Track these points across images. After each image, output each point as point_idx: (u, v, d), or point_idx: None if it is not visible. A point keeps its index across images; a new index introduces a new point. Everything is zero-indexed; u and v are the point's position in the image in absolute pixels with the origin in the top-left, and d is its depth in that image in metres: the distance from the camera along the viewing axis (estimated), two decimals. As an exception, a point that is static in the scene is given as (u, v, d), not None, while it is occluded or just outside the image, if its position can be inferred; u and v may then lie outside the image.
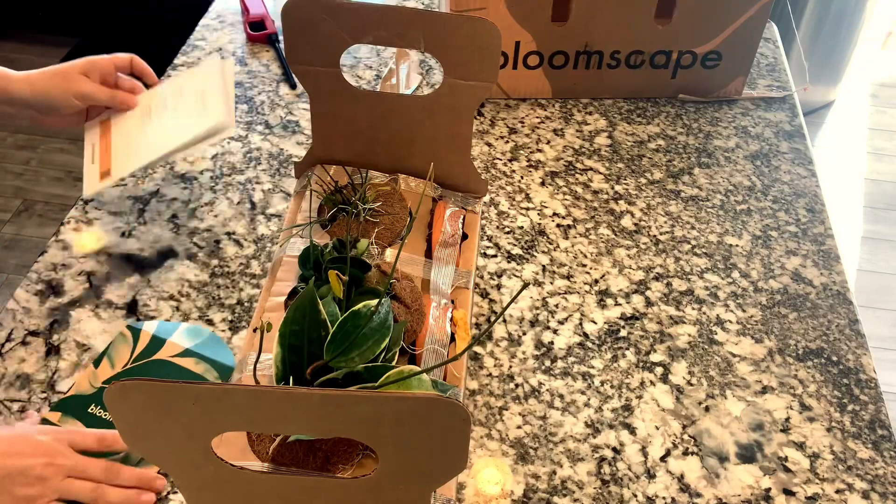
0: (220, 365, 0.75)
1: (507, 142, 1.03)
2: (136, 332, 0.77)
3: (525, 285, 0.57)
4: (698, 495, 0.69)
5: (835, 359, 0.80)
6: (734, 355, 0.80)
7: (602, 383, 0.77)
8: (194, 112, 0.87)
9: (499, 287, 0.85)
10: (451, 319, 0.68)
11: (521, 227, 0.91)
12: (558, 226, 0.92)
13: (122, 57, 0.89)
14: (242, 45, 1.17)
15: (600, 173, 0.99)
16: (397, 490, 0.49)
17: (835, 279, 0.88)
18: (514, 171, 0.98)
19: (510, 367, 0.78)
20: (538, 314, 0.82)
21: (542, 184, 0.97)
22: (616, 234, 0.91)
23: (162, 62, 1.11)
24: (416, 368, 0.55)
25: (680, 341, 0.81)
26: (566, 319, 0.82)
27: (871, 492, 0.70)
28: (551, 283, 0.85)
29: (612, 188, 0.97)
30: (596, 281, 0.86)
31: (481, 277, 0.86)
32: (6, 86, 0.83)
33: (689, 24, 1.03)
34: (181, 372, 0.73)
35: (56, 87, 0.84)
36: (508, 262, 0.87)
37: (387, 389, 0.54)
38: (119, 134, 0.88)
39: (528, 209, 0.94)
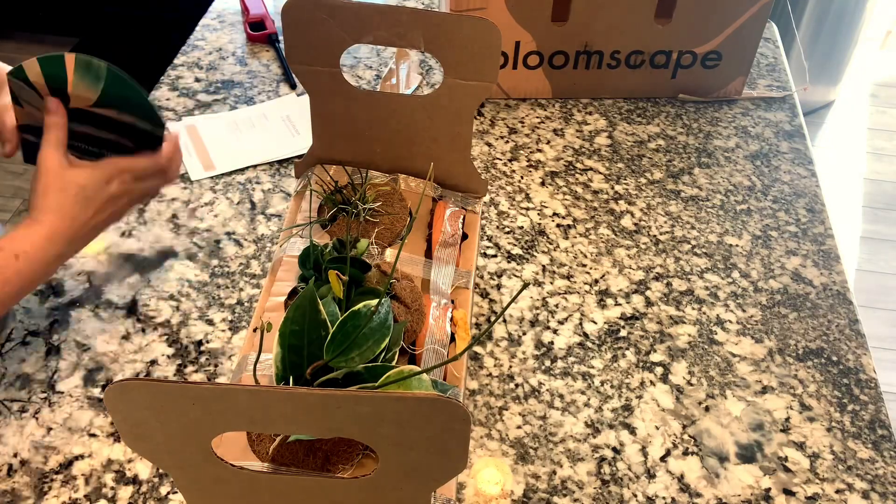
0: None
1: (507, 142, 1.03)
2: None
3: (525, 285, 0.57)
4: (698, 495, 0.69)
5: (835, 359, 0.80)
6: (734, 355, 0.80)
7: (602, 383, 0.77)
8: (287, 134, 1.02)
9: (499, 287, 0.85)
10: (451, 319, 0.68)
11: (521, 227, 0.91)
12: (558, 226, 0.92)
13: None
14: (242, 45, 1.17)
15: (600, 173, 0.99)
16: (397, 490, 0.49)
17: (835, 279, 0.88)
18: (514, 171, 0.98)
19: (510, 367, 0.78)
20: (538, 314, 0.82)
21: (542, 184, 0.97)
22: (616, 234, 0.91)
23: (162, 62, 1.11)
24: (416, 368, 0.55)
25: (680, 341, 0.81)
26: (566, 319, 0.82)
27: (871, 492, 0.70)
28: (551, 283, 0.85)
29: (612, 188, 0.97)
30: (596, 281, 0.86)
31: (481, 277, 0.86)
32: None
33: (689, 24, 1.03)
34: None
35: None
36: (508, 262, 0.87)
37: (387, 389, 0.54)
38: (210, 139, 1.01)
39: (528, 209, 0.94)
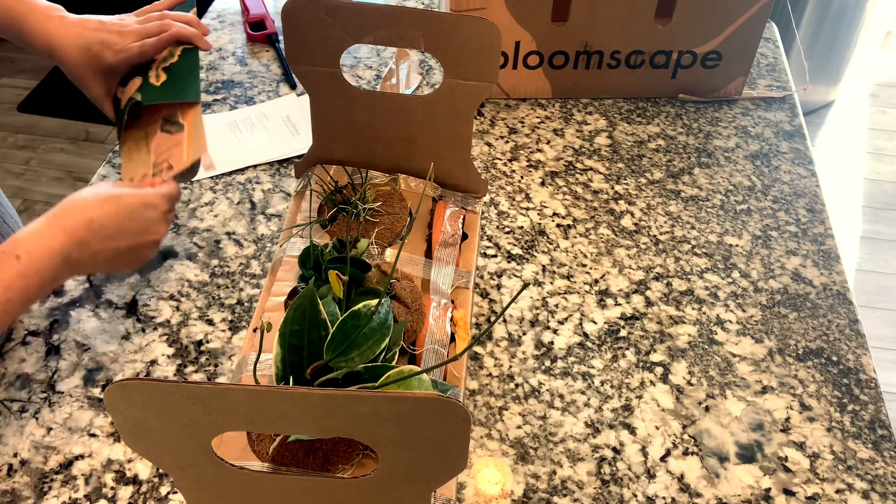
0: None
1: (507, 142, 1.03)
2: None
3: (525, 285, 0.57)
4: (698, 495, 0.69)
5: (835, 359, 0.80)
6: (734, 355, 0.80)
7: (602, 383, 0.77)
8: (287, 134, 1.02)
9: (499, 287, 0.85)
10: (451, 319, 0.68)
11: (521, 227, 0.91)
12: (558, 226, 0.92)
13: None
14: (242, 45, 1.17)
15: (600, 173, 0.99)
16: (397, 490, 0.49)
17: (835, 279, 0.88)
18: (514, 171, 0.98)
19: (510, 367, 0.78)
20: (538, 314, 0.82)
21: (542, 184, 0.97)
22: (616, 234, 0.91)
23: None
24: (416, 368, 0.55)
25: (680, 341, 0.81)
26: (566, 319, 0.82)
27: (871, 492, 0.70)
28: (551, 283, 0.85)
29: (612, 188, 0.97)
30: (596, 281, 0.86)
31: (481, 277, 0.86)
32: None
33: (689, 24, 1.03)
34: None
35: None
36: (508, 262, 0.87)
37: (387, 389, 0.54)
38: (210, 139, 1.00)
39: (528, 209, 0.94)
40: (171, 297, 0.82)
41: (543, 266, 0.87)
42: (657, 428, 0.74)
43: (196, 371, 0.76)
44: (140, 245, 0.70)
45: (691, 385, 0.77)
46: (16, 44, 0.80)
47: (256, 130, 1.02)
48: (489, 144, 1.02)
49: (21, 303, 0.63)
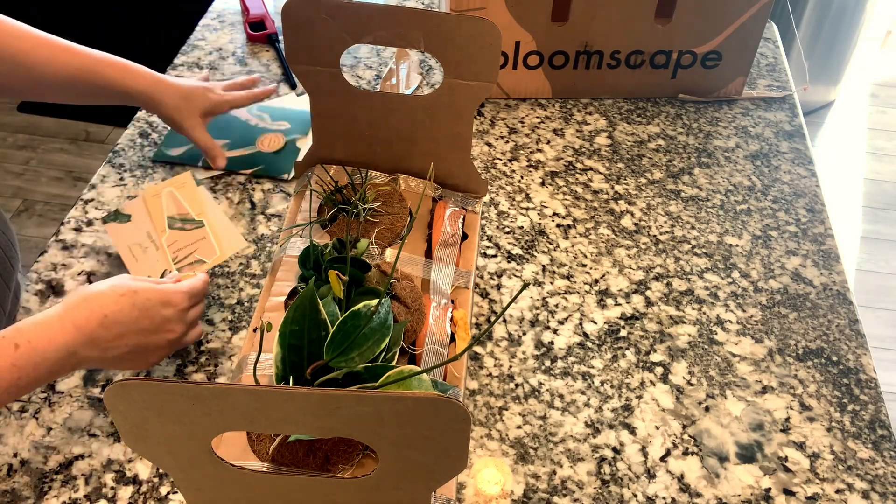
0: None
1: (507, 142, 1.03)
2: None
3: (525, 285, 0.57)
4: (698, 495, 0.69)
5: (835, 359, 0.80)
6: (734, 355, 0.80)
7: (602, 383, 0.77)
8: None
9: (499, 287, 0.85)
10: (451, 319, 0.68)
11: (521, 227, 0.91)
12: (558, 226, 0.92)
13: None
14: (242, 45, 1.17)
15: (600, 173, 0.99)
16: (397, 490, 0.49)
17: (835, 279, 0.88)
18: (514, 171, 0.98)
19: (510, 367, 0.78)
20: (538, 314, 0.82)
21: (542, 184, 0.97)
22: (616, 234, 0.91)
23: (162, 62, 1.11)
24: (416, 368, 0.55)
25: (680, 341, 0.81)
26: (566, 319, 0.82)
27: (871, 492, 0.70)
28: (551, 283, 0.85)
29: (612, 188, 0.97)
30: (596, 281, 0.86)
31: (481, 277, 0.86)
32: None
33: (689, 24, 1.03)
34: None
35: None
36: (508, 262, 0.87)
37: (387, 389, 0.54)
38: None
39: (528, 209, 0.94)
40: (171, 297, 0.82)
41: (543, 266, 0.87)
42: (657, 428, 0.74)
43: (196, 371, 0.76)
44: (152, 345, 0.68)
45: (691, 385, 0.77)
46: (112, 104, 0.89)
47: None
48: (489, 144, 1.02)
49: (8, 394, 0.59)
